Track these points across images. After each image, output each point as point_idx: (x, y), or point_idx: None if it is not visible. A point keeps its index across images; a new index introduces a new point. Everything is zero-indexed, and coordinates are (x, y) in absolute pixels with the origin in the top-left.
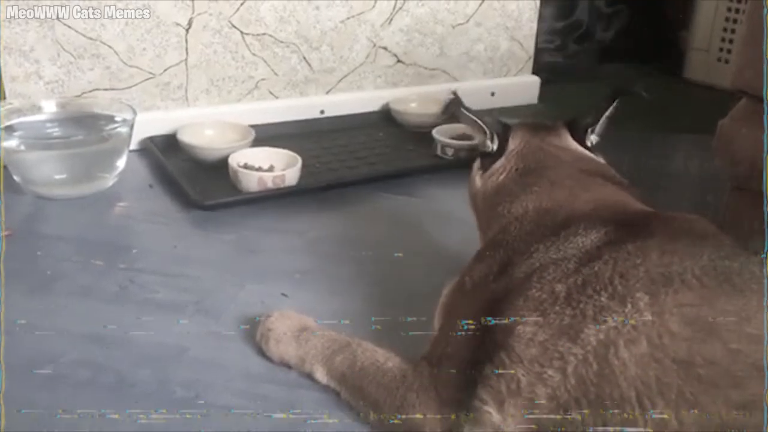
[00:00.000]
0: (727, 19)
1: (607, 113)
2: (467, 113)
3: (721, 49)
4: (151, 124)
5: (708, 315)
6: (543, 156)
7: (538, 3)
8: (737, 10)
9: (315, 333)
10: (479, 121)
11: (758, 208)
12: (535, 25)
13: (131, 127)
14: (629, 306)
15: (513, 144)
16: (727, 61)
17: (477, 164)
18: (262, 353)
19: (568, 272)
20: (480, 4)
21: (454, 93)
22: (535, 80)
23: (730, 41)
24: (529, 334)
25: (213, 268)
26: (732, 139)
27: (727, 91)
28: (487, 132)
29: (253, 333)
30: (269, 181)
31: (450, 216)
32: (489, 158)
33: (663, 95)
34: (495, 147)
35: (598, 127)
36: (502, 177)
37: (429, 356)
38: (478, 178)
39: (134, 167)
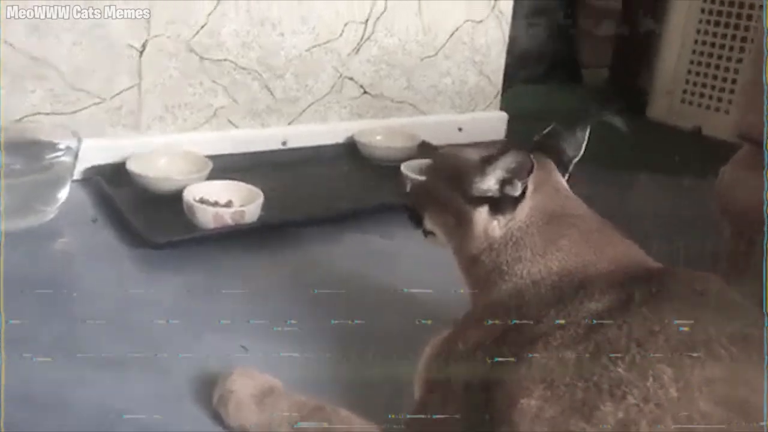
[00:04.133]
0: (692, 62)
1: (584, 144)
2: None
3: (685, 91)
4: (98, 152)
5: (741, 393)
6: (562, 200)
7: (507, 38)
8: (701, 53)
9: (281, 396)
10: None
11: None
12: (503, 60)
13: (75, 155)
14: (651, 380)
15: (530, 182)
16: (691, 103)
17: (483, 210)
18: (218, 418)
19: (578, 338)
20: (449, 37)
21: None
22: (503, 116)
23: (695, 84)
24: (534, 409)
25: (164, 316)
26: (734, 186)
27: (688, 131)
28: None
29: (210, 393)
30: (227, 217)
31: (421, 258)
32: (504, 201)
33: (627, 135)
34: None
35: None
36: (525, 223)
37: None
38: (490, 225)
39: (78, 199)
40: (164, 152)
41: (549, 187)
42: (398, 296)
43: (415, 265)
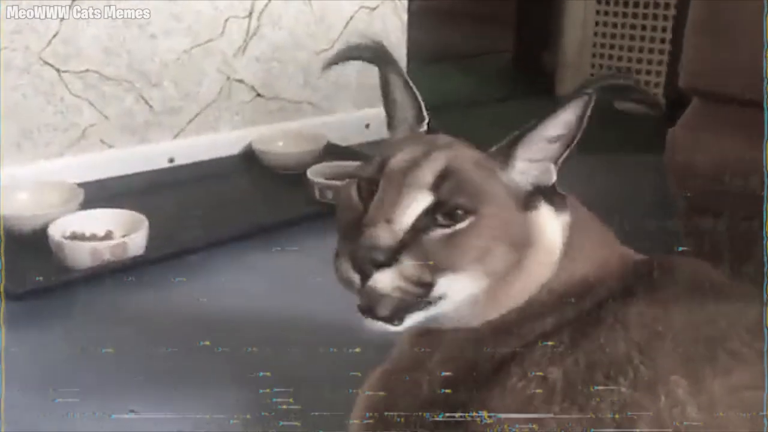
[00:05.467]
0: (596, 34)
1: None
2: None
3: (593, 65)
4: None
5: None
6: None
7: (405, 24)
8: (605, 24)
9: None
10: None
11: (726, 233)
12: (404, 49)
13: None
14: (663, 398)
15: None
16: None
17: (544, 209)
18: None
19: (562, 348)
20: (344, 27)
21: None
22: None
23: (602, 56)
24: None
25: (30, 385)
26: (688, 149)
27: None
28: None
29: None
30: (106, 252)
31: None
32: (545, 192)
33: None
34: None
35: None
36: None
37: None
38: (557, 226)
39: None
40: (24, 185)
41: None
42: (317, 325)
43: (334, 282)
